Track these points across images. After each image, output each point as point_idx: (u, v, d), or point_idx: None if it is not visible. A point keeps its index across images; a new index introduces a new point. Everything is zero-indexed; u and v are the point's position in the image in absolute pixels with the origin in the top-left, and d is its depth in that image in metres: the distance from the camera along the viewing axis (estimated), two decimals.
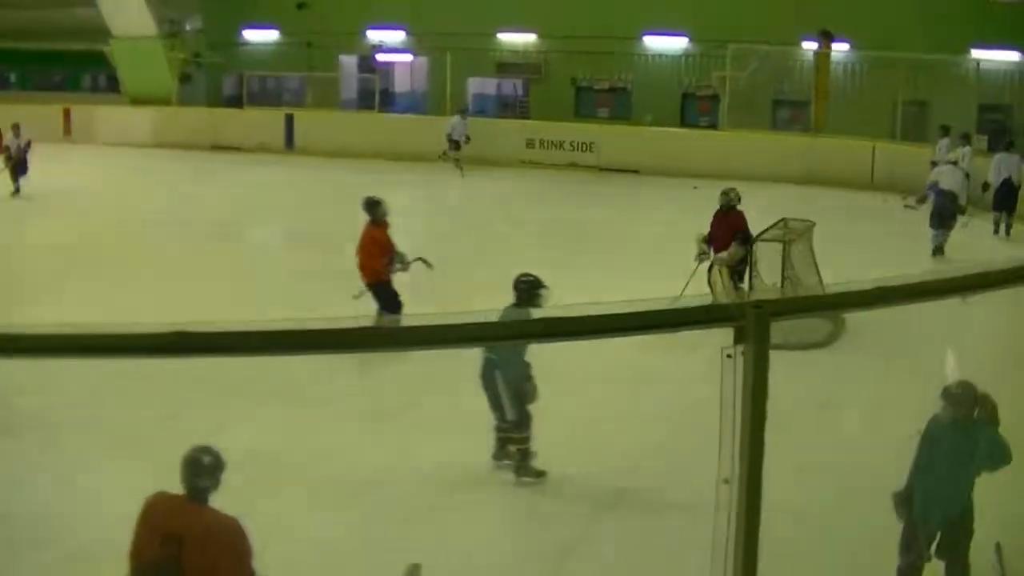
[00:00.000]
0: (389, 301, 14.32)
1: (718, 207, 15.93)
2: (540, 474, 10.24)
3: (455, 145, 31.10)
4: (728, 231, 15.46)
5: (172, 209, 25.95)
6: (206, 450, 6.20)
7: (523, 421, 10.17)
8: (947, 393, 7.53)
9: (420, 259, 14.74)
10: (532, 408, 10.16)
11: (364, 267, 14.50)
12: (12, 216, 25.26)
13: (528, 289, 10.56)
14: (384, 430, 11.49)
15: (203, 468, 6.11)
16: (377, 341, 2.85)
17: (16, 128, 27.14)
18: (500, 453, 10.47)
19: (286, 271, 19.81)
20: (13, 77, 44.74)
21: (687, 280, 15.08)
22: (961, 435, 7.52)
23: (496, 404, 10.16)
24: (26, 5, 41.77)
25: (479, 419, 10.47)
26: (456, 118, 31.64)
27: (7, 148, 26.90)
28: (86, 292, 16.98)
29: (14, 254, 20.73)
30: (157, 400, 10.44)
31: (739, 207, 15.82)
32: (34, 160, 27.02)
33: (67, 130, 37.32)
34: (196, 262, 19.99)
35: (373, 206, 14.72)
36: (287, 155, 34.22)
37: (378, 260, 14.41)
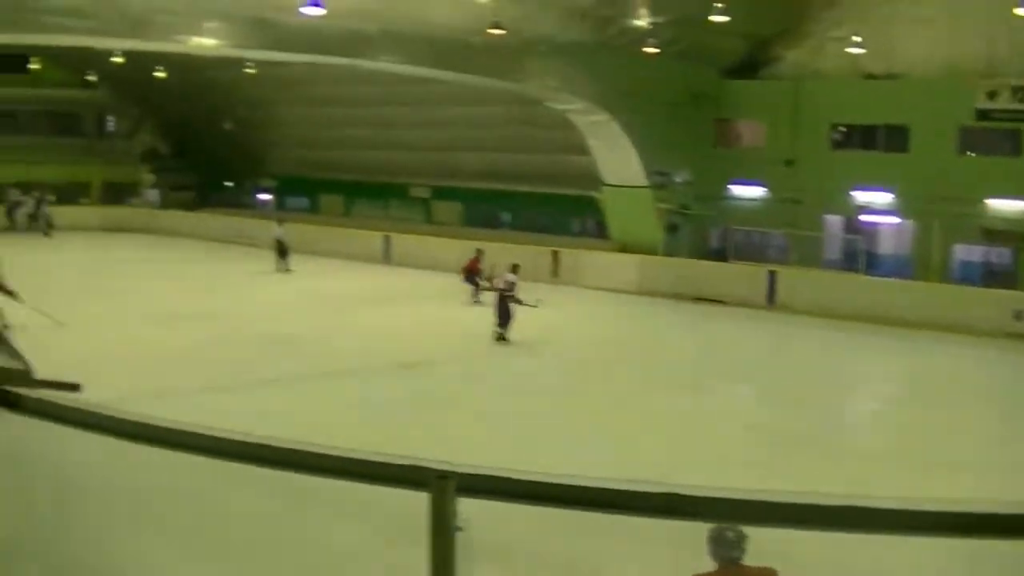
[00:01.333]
0: None
1: None
2: None
3: None
4: None
5: (646, 356, 28.55)
6: (730, 527, 7.02)
7: None
8: None
9: None
10: None
11: None
12: (495, 352, 28.22)
13: None
14: None
15: (729, 542, 7.29)
16: None
17: (514, 268, 29.90)
18: None
19: (756, 430, 20.59)
20: (507, 217, 49.95)
21: None
22: None
23: None
24: (524, 150, 46.94)
25: None
26: None
27: (510, 284, 29.15)
28: (573, 431, 19.40)
29: (500, 392, 23.58)
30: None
31: None
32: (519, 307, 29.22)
33: (555, 271, 40.98)
34: (666, 413, 21.70)
35: None
36: (768, 311, 35.78)
37: None
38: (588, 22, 37.15)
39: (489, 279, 32.93)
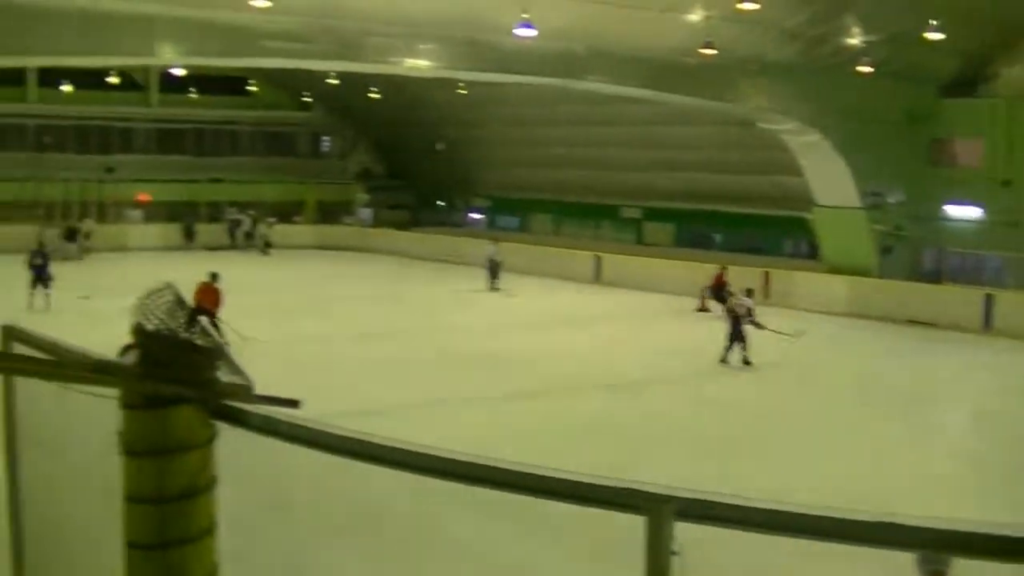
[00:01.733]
0: None
1: None
2: None
3: None
4: None
5: (866, 381, 28.76)
6: None
7: None
8: None
9: None
10: None
11: None
12: (711, 373, 28.53)
13: None
14: None
15: (935, 557, 7.59)
16: None
17: (749, 292, 30.77)
18: None
19: (979, 462, 20.60)
20: (718, 238, 50.81)
21: None
22: None
23: None
24: (736, 170, 47.67)
25: None
26: None
27: (748, 308, 29.57)
28: (792, 456, 19.84)
29: (715, 413, 24.13)
30: None
31: None
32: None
33: (766, 292, 40.83)
34: (890, 440, 21.88)
35: None
36: (984, 336, 35.45)
37: None
38: (800, 42, 37.81)
39: (732, 294, 33.40)
